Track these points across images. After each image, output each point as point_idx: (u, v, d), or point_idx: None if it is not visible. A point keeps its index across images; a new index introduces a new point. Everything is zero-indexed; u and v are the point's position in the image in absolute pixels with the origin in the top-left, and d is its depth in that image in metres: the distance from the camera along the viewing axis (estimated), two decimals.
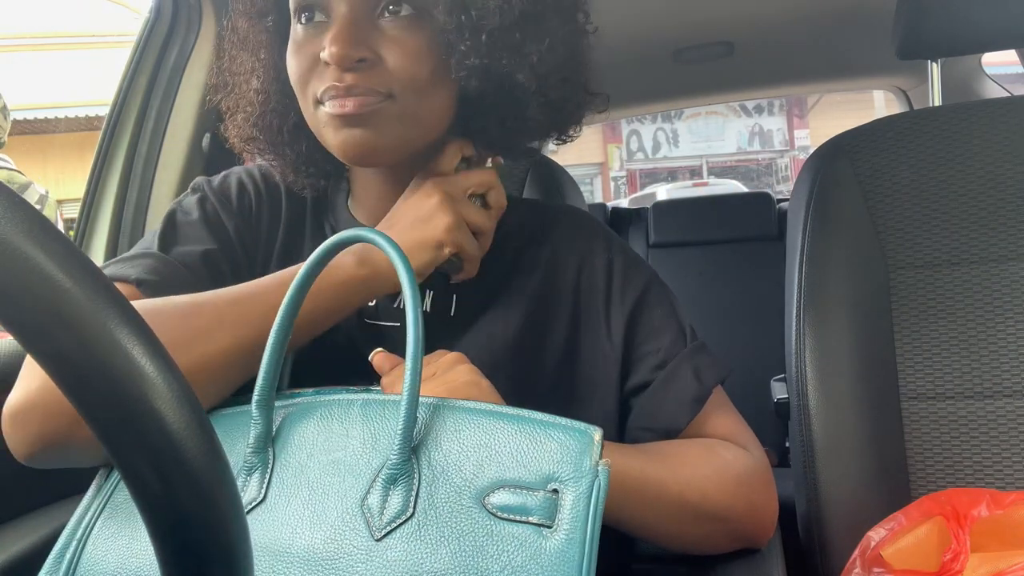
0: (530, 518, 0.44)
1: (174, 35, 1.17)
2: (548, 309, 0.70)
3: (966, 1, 1.02)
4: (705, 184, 10.77)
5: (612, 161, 14.60)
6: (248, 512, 0.49)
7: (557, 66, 0.64)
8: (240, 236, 0.71)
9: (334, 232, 0.69)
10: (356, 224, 0.72)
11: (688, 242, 2.22)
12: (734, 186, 9.62)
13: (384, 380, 0.58)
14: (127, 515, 0.52)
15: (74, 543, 0.52)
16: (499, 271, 0.71)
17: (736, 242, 2.18)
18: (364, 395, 0.52)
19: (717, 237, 2.21)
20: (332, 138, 0.63)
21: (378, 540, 0.46)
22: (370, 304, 0.68)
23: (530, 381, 0.66)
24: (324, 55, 0.60)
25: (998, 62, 1.75)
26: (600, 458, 0.45)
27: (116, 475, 0.54)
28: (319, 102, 0.62)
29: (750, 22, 1.63)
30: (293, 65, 0.63)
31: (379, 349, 0.60)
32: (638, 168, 14.76)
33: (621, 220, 2.36)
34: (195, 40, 1.18)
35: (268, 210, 0.74)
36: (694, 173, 14.41)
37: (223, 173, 0.76)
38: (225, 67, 0.72)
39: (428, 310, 0.69)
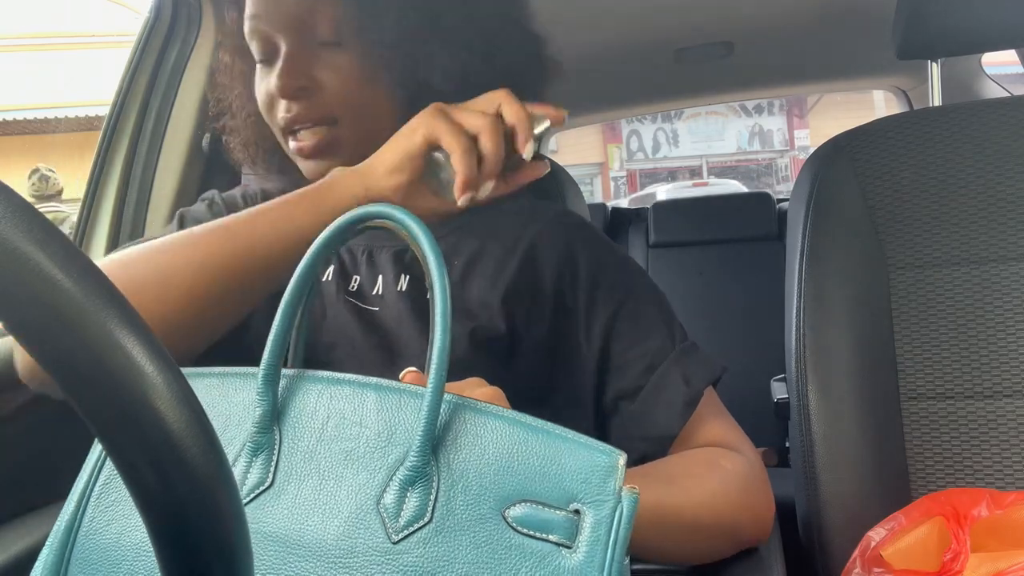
0: (550, 536, 0.43)
1: (174, 35, 1.17)
2: (528, 302, 0.68)
3: (966, 1, 1.02)
4: (705, 184, 10.76)
5: (612, 161, 14.60)
6: (255, 497, 0.48)
7: (491, 32, 0.69)
8: None
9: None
10: None
11: (688, 242, 2.22)
12: (734, 186, 9.62)
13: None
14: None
15: (69, 513, 0.50)
16: (474, 258, 0.70)
17: (736, 242, 2.18)
18: (377, 380, 0.50)
19: (717, 237, 2.21)
20: (302, 167, 0.70)
21: (394, 543, 0.45)
22: (351, 288, 0.69)
23: (508, 372, 0.65)
24: (273, 90, 0.67)
25: (998, 62, 1.75)
26: (624, 484, 0.44)
27: None
28: (284, 133, 0.69)
29: (750, 22, 1.63)
30: (257, 101, 0.70)
31: (411, 368, 0.58)
32: (638, 168, 14.76)
33: (621, 220, 2.36)
34: (195, 40, 1.18)
35: None
36: (694, 173, 14.40)
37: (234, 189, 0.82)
38: (218, 95, 0.79)
39: (403, 289, 0.68)
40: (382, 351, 0.66)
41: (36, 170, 3.70)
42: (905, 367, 0.93)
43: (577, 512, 0.44)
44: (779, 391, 1.22)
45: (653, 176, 14.52)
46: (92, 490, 0.50)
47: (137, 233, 1.16)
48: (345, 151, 0.68)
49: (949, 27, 1.04)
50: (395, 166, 0.63)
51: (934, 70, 1.19)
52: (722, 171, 13.97)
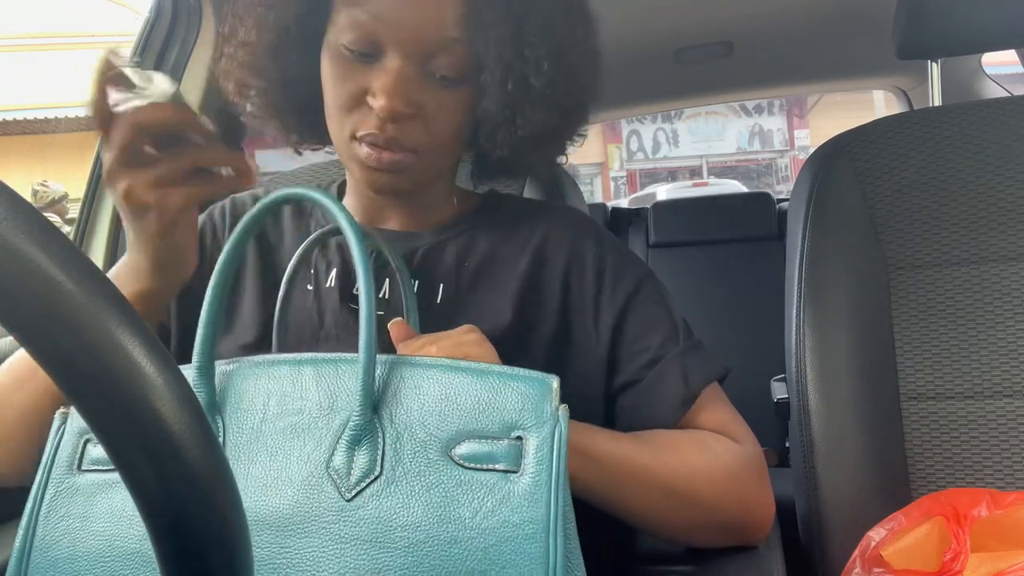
0: (496, 465, 0.46)
1: (174, 35, 1.17)
2: (537, 301, 0.69)
3: (966, 1, 1.02)
4: (705, 184, 10.76)
5: (612, 161, 14.60)
6: None
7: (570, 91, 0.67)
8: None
9: (319, 228, 0.71)
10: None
11: (688, 242, 2.22)
12: (734, 186, 9.62)
13: (401, 348, 0.58)
14: (73, 493, 0.51)
15: (19, 538, 0.51)
16: (485, 259, 0.71)
17: (736, 242, 2.18)
18: (312, 355, 0.52)
19: (717, 237, 2.21)
20: (358, 173, 0.66)
21: (348, 500, 0.47)
22: (355, 292, 0.69)
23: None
24: (372, 102, 0.62)
25: (998, 62, 1.75)
26: (560, 404, 0.47)
27: (54, 451, 0.53)
28: (355, 138, 0.64)
29: (750, 22, 1.63)
30: (333, 92, 0.65)
31: (398, 319, 0.61)
32: (638, 168, 14.76)
33: (621, 220, 2.36)
34: (195, 40, 1.18)
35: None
36: (694, 173, 14.40)
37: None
38: (236, 19, 0.69)
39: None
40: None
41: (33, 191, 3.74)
42: (905, 367, 0.93)
43: (519, 439, 0.47)
44: (779, 391, 1.22)
45: (653, 176, 14.51)
46: (39, 510, 0.51)
47: None
48: (410, 177, 0.66)
49: (949, 27, 1.04)
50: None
51: (934, 70, 1.19)
52: (722, 171, 13.97)
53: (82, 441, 0.52)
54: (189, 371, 0.52)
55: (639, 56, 1.77)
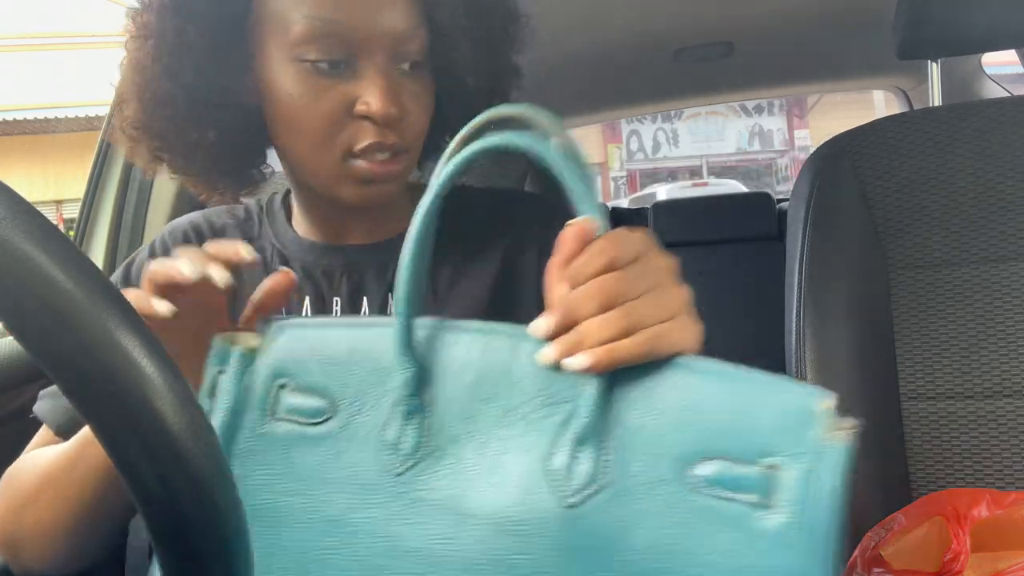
0: (743, 496, 0.38)
1: None
2: (512, 296, 0.68)
3: (966, 1, 1.02)
4: (705, 184, 10.76)
5: (612, 161, 14.60)
6: (414, 465, 0.44)
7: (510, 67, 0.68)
8: None
9: (281, 254, 0.68)
10: (307, 242, 0.69)
11: (688, 242, 2.22)
12: (734, 186, 9.62)
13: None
14: (272, 442, 0.46)
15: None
16: (458, 255, 0.68)
17: (736, 242, 2.18)
18: (522, 331, 0.44)
19: (717, 237, 2.21)
20: (354, 192, 0.61)
21: (568, 507, 0.41)
22: (334, 313, 0.67)
23: None
24: (367, 111, 0.58)
25: (998, 62, 1.75)
26: (834, 430, 0.39)
27: (237, 387, 0.47)
28: (351, 155, 0.60)
29: (750, 22, 1.63)
30: (308, 113, 0.59)
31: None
32: (638, 168, 14.76)
33: (621, 220, 2.36)
34: None
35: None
36: (694, 173, 14.41)
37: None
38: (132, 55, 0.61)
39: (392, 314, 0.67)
40: None
41: None
42: (905, 367, 0.93)
43: (774, 467, 0.38)
44: None
45: (653, 176, 14.52)
46: (230, 451, 0.47)
47: (137, 233, 1.16)
48: (401, 180, 0.63)
49: (949, 27, 1.04)
50: None
51: (934, 70, 1.19)
52: (722, 171, 13.97)
53: (276, 386, 0.46)
54: (390, 334, 0.45)
55: (639, 56, 1.77)
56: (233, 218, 0.72)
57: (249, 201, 0.73)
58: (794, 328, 0.95)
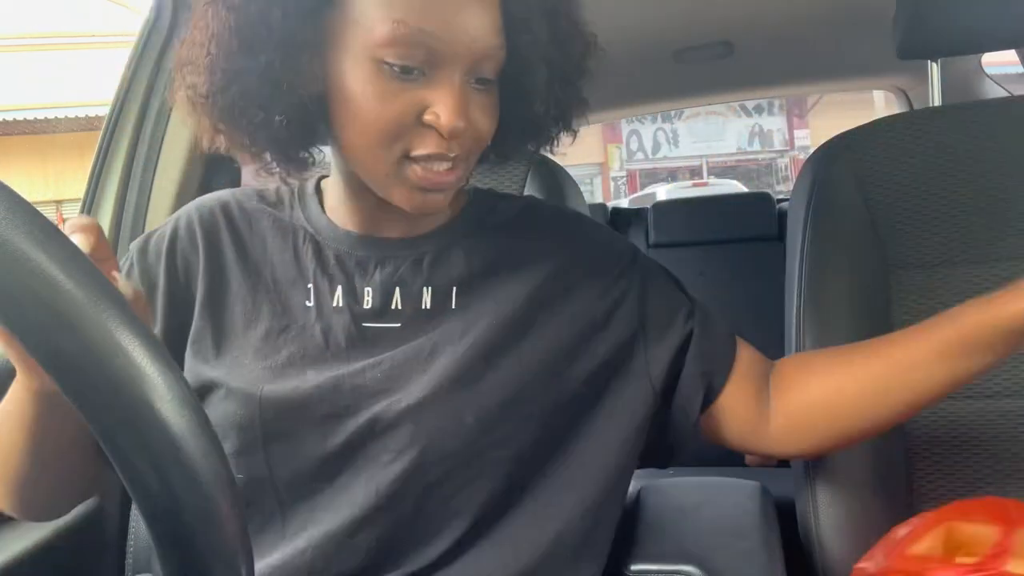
0: None
1: (174, 35, 1.17)
2: (553, 293, 0.69)
3: (966, 1, 1.02)
4: (705, 184, 10.77)
5: (612, 161, 14.61)
6: None
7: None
8: (170, 296, 0.69)
9: (314, 240, 0.69)
10: (341, 231, 0.70)
11: (688, 242, 2.22)
12: (734, 186, 9.62)
13: None
14: None
15: None
16: (495, 259, 0.70)
17: (736, 242, 2.18)
18: None
19: (717, 237, 2.21)
20: (407, 197, 0.62)
21: None
22: (366, 307, 0.67)
23: (541, 363, 0.66)
24: (435, 121, 0.58)
25: (998, 62, 1.75)
26: None
27: None
28: (409, 159, 0.60)
29: (750, 22, 1.63)
30: (376, 111, 0.58)
31: None
32: (638, 168, 14.77)
33: (621, 220, 2.36)
34: None
35: (197, 252, 0.70)
36: (694, 173, 14.41)
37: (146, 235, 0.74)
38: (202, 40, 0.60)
39: (428, 307, 0.67)
40: (418, 364, 0.65)
41: None
42: None
43: None
44: None
45: (653, 176, 14.52)
46: None
47: (137, 233, 1.16)
48: (454, 190, 0.64)
49: (949, 27, 1.04)
50: None
51: (934, 70, 1.19)
52: (722, 171, 13.98)
53: None
54: None
55: (639, 56, 1.77)
56: (264, 201, 0.73)
57: (281, 185, 0.73)
58: (794, 328, 0.95)
